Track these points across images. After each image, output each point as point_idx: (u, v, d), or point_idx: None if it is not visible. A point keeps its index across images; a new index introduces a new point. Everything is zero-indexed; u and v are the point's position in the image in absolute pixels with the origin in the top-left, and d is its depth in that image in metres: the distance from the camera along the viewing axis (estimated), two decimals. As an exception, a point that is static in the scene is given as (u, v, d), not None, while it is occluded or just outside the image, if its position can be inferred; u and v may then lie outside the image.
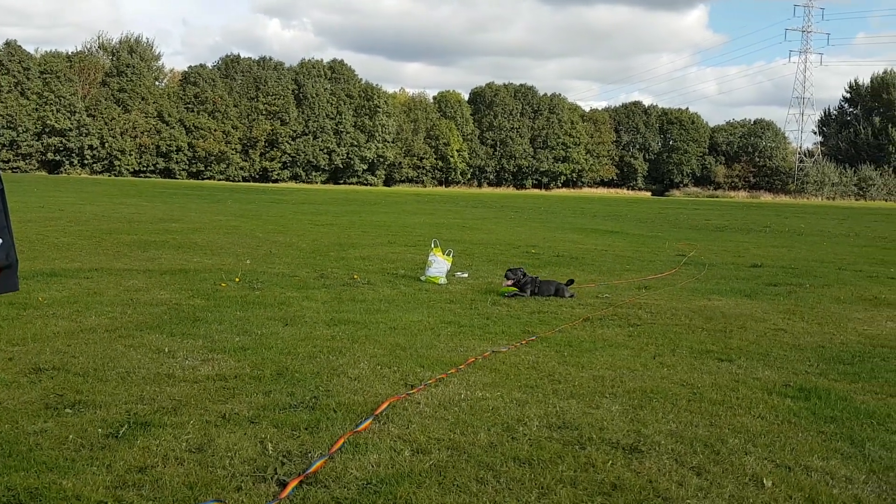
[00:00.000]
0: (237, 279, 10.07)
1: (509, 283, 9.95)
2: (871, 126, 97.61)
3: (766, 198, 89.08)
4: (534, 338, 7.08)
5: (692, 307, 9.57)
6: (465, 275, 11.95)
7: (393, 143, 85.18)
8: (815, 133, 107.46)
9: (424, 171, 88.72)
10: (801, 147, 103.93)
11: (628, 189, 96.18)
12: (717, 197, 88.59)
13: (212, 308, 8.00)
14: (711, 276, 13.42)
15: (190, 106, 78.88)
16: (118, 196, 33.86)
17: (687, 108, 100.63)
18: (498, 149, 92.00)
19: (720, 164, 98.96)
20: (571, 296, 10.06)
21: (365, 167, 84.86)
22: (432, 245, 11.33)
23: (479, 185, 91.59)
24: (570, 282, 10.27)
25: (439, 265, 11.05)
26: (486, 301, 9.37)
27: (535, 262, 14.33)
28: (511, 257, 14.90)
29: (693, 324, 8.32)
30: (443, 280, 10.97)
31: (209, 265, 11.46)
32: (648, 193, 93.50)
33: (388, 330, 7.18)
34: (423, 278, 11.11)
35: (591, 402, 5.14)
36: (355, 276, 10.84)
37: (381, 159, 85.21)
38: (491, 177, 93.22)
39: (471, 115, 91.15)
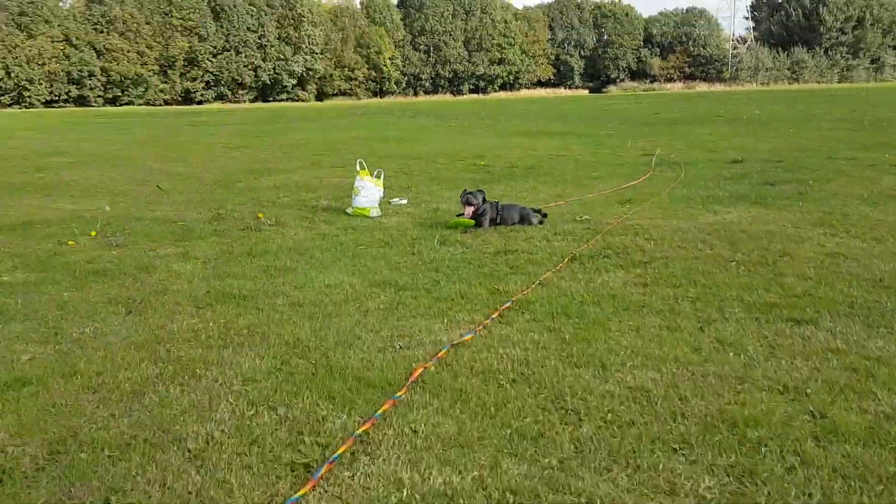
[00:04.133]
0: (94, 233, 7.43)
1: (469, 210, 7.52)
2: (801, 7, 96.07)
3: (702, 87, 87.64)
4: (509, 303, 4.71)
5: (701, 226, 7.33)
6: (404, 201, 9.48)
7: (322, 54, 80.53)
8: (746, 18, 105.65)
9: (357, 83, 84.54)
10: (733, 34, 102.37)
11: (566, 88, 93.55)
12: (654, 90, 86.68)
13: (31, 287, 5.44)
14: (694, 179, 11.27)
15: (98, 27, 72.76)
16: (12, 129, 30.00)
17: (620, 0, 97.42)
18: (432, 54, 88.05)
19: (655, 56, 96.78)
20: (541, 221, 7.72)
21: (294, 82, 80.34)
22: (358, 167, 8.79)
23: (415, 94, 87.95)
24: (542, 214, 7.89)
25: (369, 192, 8.55)
26: (432, 239, 6.97)
27: (486, 176, 11.91)
28: (457, 173, 12.44)
29: (718, 254, 6.07)
30: (375, 212, 8.50)
31: (67, 213, 8.76)
32: (586, 91, 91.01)
33: (288, 311, 4.75)
34: (349, 211, 8.62)
35: (650, 469, 2.80)
36: (260, 216, 8.29)
37: (311, 73, 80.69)
38: (426, 84, 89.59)
39: (401, 20, 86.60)
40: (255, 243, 6.96)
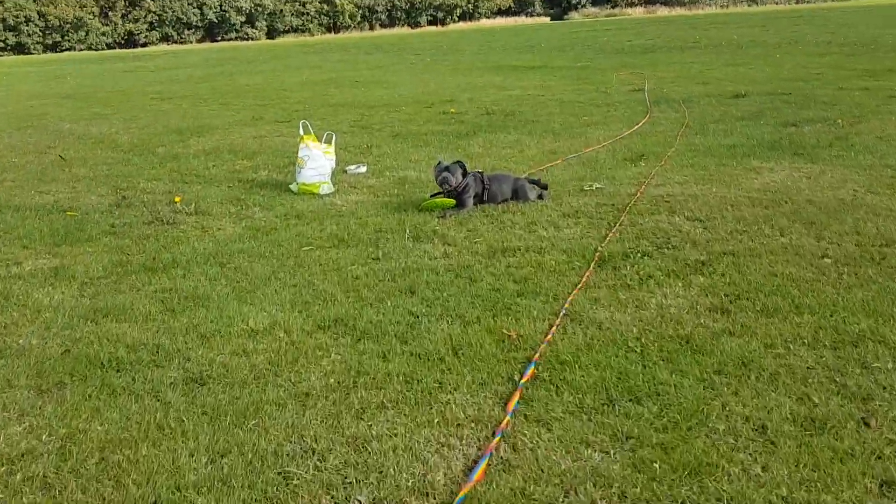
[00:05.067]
0: (-59, 238, 5.53)
1: (446, 188, 5.76)
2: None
3: (663, 12, 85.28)
4: (531, 370, 2.98)
5: (750, 194, 5.64)
6: (363, 169, 7.63)
7: (270, -12, 76.56)
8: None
9: (310, 18, 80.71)
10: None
11: (527, 16, 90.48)
12: (615, 15, 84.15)
13: None
14: (703, 121, 9.59)
15: (29, -34, 68.07)
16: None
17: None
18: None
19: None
20: (541, 196, 5.96)
21: (243, 19, 76.41)
22: (301, 131, 6.91)
23: (371, 28, 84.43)
24: (541, 185, 6.11)
25: (317, 163, 6.69)
26: (401, 231, 5.20)
27: (459, 128, 10.06)
28: (424, 124, 10.55)
29: (799, 245, 4.40)
30: (326, 188, 6.67)
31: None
32: (547, 19, 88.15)
33: (179, 400, 2.95)
34: (293, 188, 6.77)
35: None
36: (176, 200, 6.41)
37: (260, 8, 76.74)
38: (382, 17, 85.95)
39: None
40: (161, 247, 5.12)
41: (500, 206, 5.78)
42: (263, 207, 6.20)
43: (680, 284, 3.88)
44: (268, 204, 6.30)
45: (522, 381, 2.81)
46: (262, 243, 5.11)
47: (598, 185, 6.19)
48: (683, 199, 5.59)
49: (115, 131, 11.09)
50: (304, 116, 11.95)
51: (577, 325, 3.42)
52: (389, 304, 3.81)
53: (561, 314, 3.52)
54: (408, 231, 5.16)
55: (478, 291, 3.92)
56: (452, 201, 5.77)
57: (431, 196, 6.02)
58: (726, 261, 4.21)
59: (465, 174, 5.82)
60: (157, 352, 3.36)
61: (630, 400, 2.70)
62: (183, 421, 2.75)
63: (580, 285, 3.92)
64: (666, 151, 7.62)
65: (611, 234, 4.81)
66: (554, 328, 3.34)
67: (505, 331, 3.32)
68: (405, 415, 2.68)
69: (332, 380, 2.99)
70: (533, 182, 6.06)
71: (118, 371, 3.20)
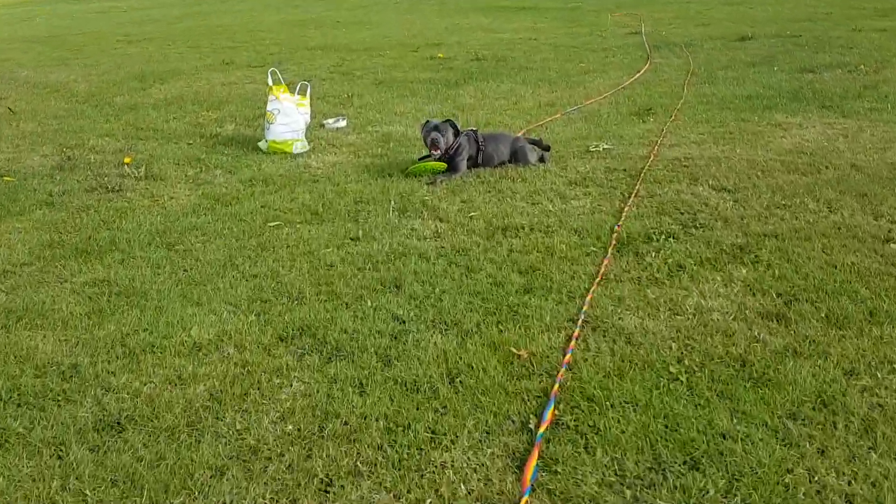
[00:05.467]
0: None
1: (435, 153, 5.02)
2: None
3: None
4: (549, 412, 2.30)
5: (783, 157, 4.95)
6: (342, 123, 6.84)
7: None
8: None
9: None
10: None
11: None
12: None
13: None
14: (710, 67, 8.88)
15: None
16: None
17: None
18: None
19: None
20: (542, 158, 5.23)
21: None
22: (270, 80, 6.10)
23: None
24: (543, 146, 5.36)
25: (289, 117, 5.91)
26: (384, 202, 4.48)
27: (448, 75, 9.23)
28: (409, 71, 9.70)
29: (853, 224, 3.72)
30: (299, 146, 5.90)
31: None
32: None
33: (86, 468, 2.24)
34: (262, 146, 6.00)
35: None
36: (127, 161, 5.62)
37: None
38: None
39: None
40: (100, 223, 4.37)
41: (497, 169, 5.05)
42: (226, 170, 5.43)
43: (719, 278, 3.19)
44: (231, 165, 5.53)
45: (540, 430, 2.14)
46: (220, 217, 4.37)
47: (605, 146, 5.45)
48: (704, 164, 4.88)
49: (73, 79, 10.16)
50: (279, 60, 11.05)
51: (601, 336, 2.74)
52: (370, 303, 3.11)
53: (580, 321, 2.83)
54: (393, 202, 4.43)
55: (476, 286, 3.22)
56: (443, 165, 5.03)
57: (420, 159, 5.28)
58: (769, 245, 3.52)
59: (457, 134, 5.07)
60: (71, 377, 2.66)
61: (685, 463, 2.03)
62: (84, 496, 2.06)
63: (598, 278, 3.22)
64: (675, 104, 6.88)
65: (627, 209, 4.10)
66: (573, 342, 2.66)
67: (513, 349, 2.63)
68: (386, 488, 2.00)
69: (290, 426, 2.30)
70: (533, 143, 5.32)
71: (18, 407, 2.49)
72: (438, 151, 4.94)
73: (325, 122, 6.82)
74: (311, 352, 2.73)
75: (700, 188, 4.38)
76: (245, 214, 4.40)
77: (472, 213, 4.21)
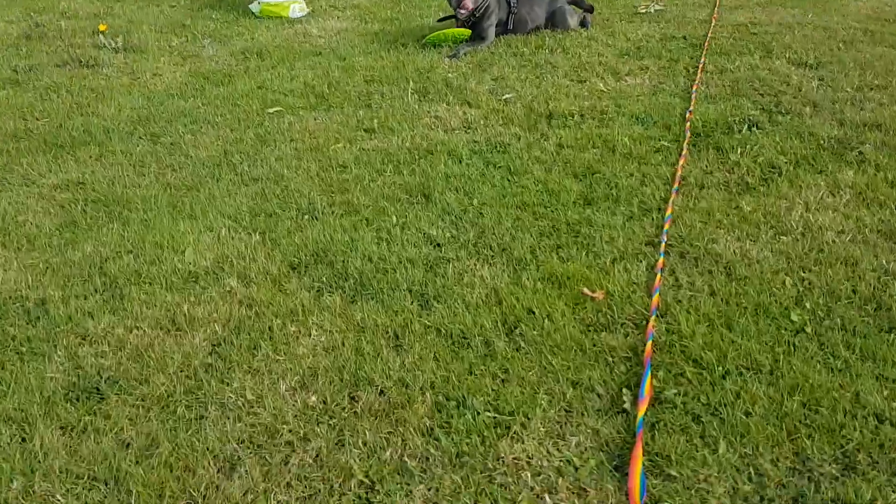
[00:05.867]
0: None
1: (462, 13, 4.30)
2: None
3: None
4: (647, 383, 1.78)
5: (858, 22, 4.28)
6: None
7: None
8: None
9: None
10: None
11: None
12: None
13: None
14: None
15: None
16: None
17: None
18: None
19: None
20: (583, 23, 4.51)
21: None
22: (261, -68, 5.26)
23: None
24: (585, 6, 4.61)
25: (285, -25, 5.12)
26: (401, 81, 3.83)
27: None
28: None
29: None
30: (297, 8, 5.15)
31: None
32: None
33: (58, 461, 1.74)
34: (255, 8, 5.24)
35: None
36: (102, 28, 4.88)
37: None
38: None
39: None
40: (74, 106, 3.73)
41: (531, 36, 4.35)
42: (215, 39, 4.72)
43: (822, 183, 2.61)
44: (221, 34, 4.81)
45: (640, 412, 1.63)
46: (210, 101, 3.73)
47: (656, 6, 4.71)
48: (775, 31, 4.17)
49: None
50: None
51: (693, 267, 2.19)
52: (395, 219, 2.55)
53: (662, 245, 2.28)
54: (410, 83, 3.77)
55: (524, 196, 2.64)
56: (467, 32, 4.32)
57: (439, 20, 4.55)
58: (873, 139, 2.91)
59: (484, -10, 4.32)
60: (38, 319, 2.14)
61: (837, 462, 1.54)
62: (53, 506, 1.58)
63: (676, 184, 2.64)
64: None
65: (696, 88, 3.45)
66: (659, 277, 2.12)
67: (585, 291, 2.09)
68: (446, 498, 1.52)
69: (313, 396, 1.80)
70: (573, 2, 4.57)
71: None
72: (465, 11, 4.21)
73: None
74: (332, 287, 2.20)
75: (777, 62, 3.71)
76: (239, 97, 3.75)
77: (507, 95, 3.57)
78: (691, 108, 3.21)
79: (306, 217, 2.60)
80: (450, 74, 3.88)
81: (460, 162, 2.93)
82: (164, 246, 2.45)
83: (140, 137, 3.34)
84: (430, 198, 2.68)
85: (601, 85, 3.59)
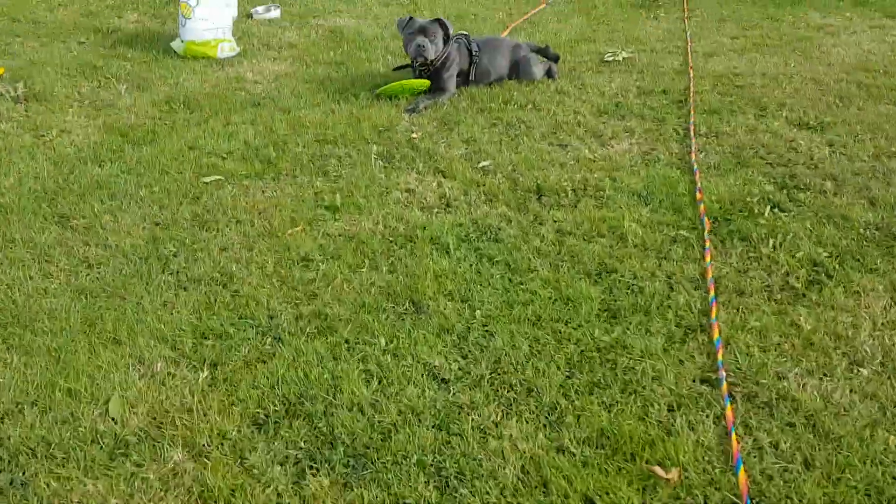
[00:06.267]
0: None
1: (418, 63, 3.82)
2: None
3: None
4: None
5: (847, 72, 3.99)
6: (275, 12, 5.50)
7: None
8: None
9: None
10: None
11: None
12: None
13: None
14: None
15: None
16: None
17: None
18: None
19: None
20: (549, 73, 4.11)
21: None
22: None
23: None
24: (550, 55, 4.21)
25: (210, 10, 4.55)
26: (357, 140, 3.35)
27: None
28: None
29: None
30: (226, 47, 4.59)
31: None
32: None
33: None
34: (177, 47, 4.64)
35: None
36: (-3, 71, 4.20)
37: None
38: None
39: None
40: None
41: (494, 89, 3.93)
42: (133, 85, 4.11)
43: (881, 288, 2.23)
44: (140, 77, 4.20)
45: None
46: (132, 166, 3.14)
47: (624, 54, 4.35)
48: (762, 84, 3.87)
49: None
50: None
51: (771, 420, 1.75)
52: (384, 342, 2.04)
53: (724, 386, 1.84)
54: (373, 146, 3.27)
55: (536, 307, 2.17)
56: (425, 83, 3.85)
57: (395, 69, 4.08)
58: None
59: (447, 39, 3.86)
60: None
61: None
62: None
63: (711, 290, 2.22)
64: (682, -6, 5.76)
65: (694, 157, 3.07)
66: (736, 445, 1.68)
67: (656, 471, 1.63)
68: None
69: None
70: (537, 51, 4.17)
71: None
72: (423, 59, 3.75)
73: (253, 10, 5.44)
74: (315, 460, 1.67)
75: (775, 123, 3.38)
76: (168, 161, 3.17)
77: (485, 163, 3.11)
78: (699, 184, 2.82)
79: (268, 339, 2.07)
80: (413, 134, 3.40)
81: (448, 254, 2.45)
82: (79, 395, 1.88)
83: (46, 219, 2.73)
84: (420, 307, 2.18)
85: (586, 151, 3.18)
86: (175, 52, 4.59)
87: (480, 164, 3.11)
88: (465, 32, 4.08)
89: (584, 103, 3.69)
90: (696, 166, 2.96)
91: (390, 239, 2.57)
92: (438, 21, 3.85)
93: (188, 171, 3.08)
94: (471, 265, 2.38)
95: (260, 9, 5.46)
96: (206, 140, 3.37)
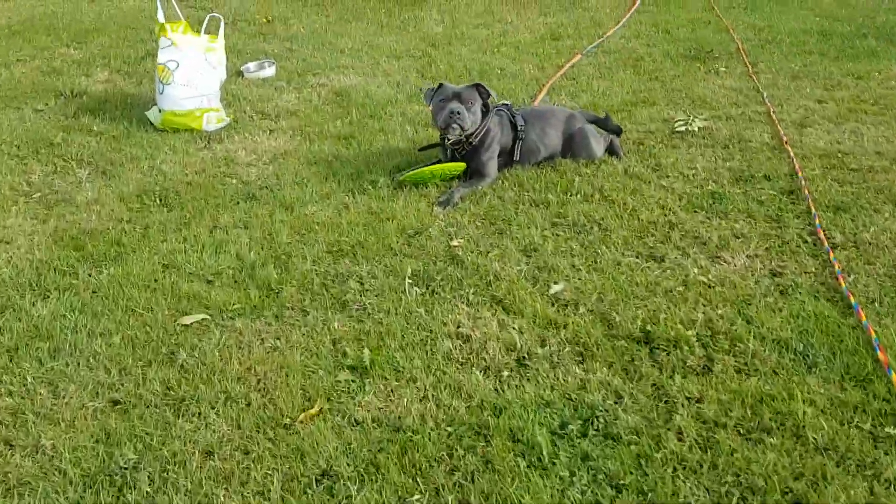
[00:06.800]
0: None
1: (451, 138, 3.05)
2: None
3: None
4: None
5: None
6: (270, 70, 4.75)
7: None
8: None
9: None
10: None
11: None
12: None
13: None
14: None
15: None
16: None
17: None
18: None
19: None
20: (612, 150, 3.33)
21: None
22: (159, 16, 3.88)
23: None
24: (612, 127, 3.43)
25: (194, 74, 3.78)
26: (379, 249, 2.58)
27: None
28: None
29: None
30: (213, 118, 3.80)
31: None
32: None
33: None
34: (153, 117, 3.85)
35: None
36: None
37: None
38: None
39: None
40: None
41: (544, 171, 3.15)
42: (97, 170, 3.32)
43: None
44: (107, 158, 3.42)
45: None
46: (86, 301, 2.34)
47: (697, 122, 3.59)
48: (882, 166, 3.11)
49: None
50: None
51: None
52: None
53: None
54: (406, 267, 2.47)
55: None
56: (460, 166, 3.07)
57: (420, 150, 3.31)
58: None
59: (486, 110, 3.09)
60: None
61: None
62: None
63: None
64: (728, 40, 5.06)
65: (843, 283, 2.28)
66: None
67: None
68: None
69: None
70: (595, 122, 3.40)
71: None
72: (459, 130, 2.98)
73: (244, 67, 4.68)
74: None
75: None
76: (136, 291, 2.37)
77: (557, 287, 2.32)
78: (873, 335, 2.02)
79: None
80: (454, 242, 2.61)
81: (542, 467, 1.65)
82: None
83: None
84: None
85: (694, 270, 2.39)
86: (152, 122, 3.80)
87: (552, 290, 2.32)
88: (507, 101, 3.31)
89: (669, 193, 2.92)
90: (853, 300, 2.17)
91: (449, 430, 1.77)
92: (476, 87, 3.08)
93: (162, 309, 2.28)
94: (583, 492, 1.58)
95: (252, 66, 4.70)
96: (188, 254, 2.58)
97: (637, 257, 2.49)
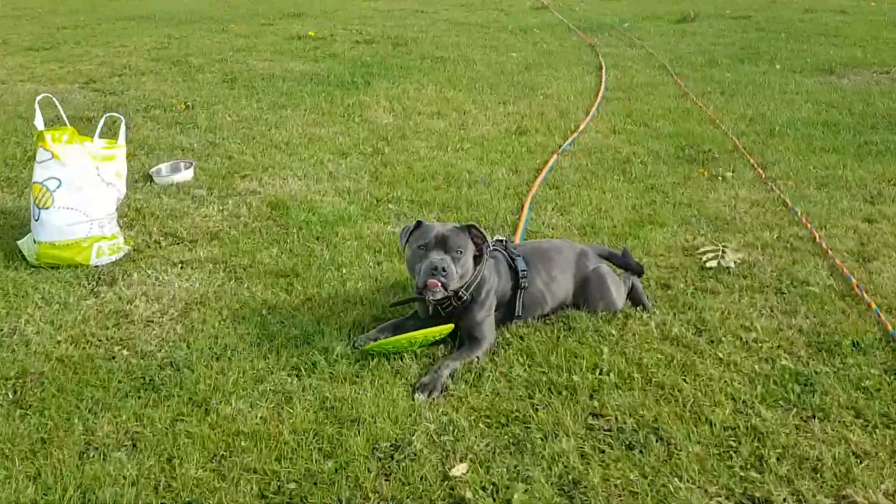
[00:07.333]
0: None
1: (433, 297, 2.18)
2: None
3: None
4: None
5: None
6: (187, 173, 3.87)
7: None
8: None
9: None
10: None
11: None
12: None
13: None
14: (685, 63, 6.66)
15: None
16: None
17: None
18: None
19: None
20: (633, 295, 2.54)
21: None
22: (37, 122, 2.98)
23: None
24: (633, 267, 2.66)
25: (80, 192, 2.85)
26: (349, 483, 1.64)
27: (334, 66, 6.39)
28: (273, 58, 6.72)
29: None
30: (105, 249, 2.87)
31: None
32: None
33: None
34: (27, 249, 2.89)
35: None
36: None
37: None
38: None
39: None
40: None
41: (555, 326, 2.34)
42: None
43: None
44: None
45: None
46: None
47: (731, 254, 2.85)
48: None
49: None
50: (74, 41, 7.55)
51: None
52: None
53: None
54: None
55: None
56: (446, 328, 2.24)
57: (393, 305, 2.47)
58: None
59: (484, 244, 2.28)
60: None
61: None
62: None
63: None
64: (723, 137, 4.44)
65: None
66: None
67: None
68: None
69: None
70: (608, 257, 2.63)
71: None
72: (439, 295, 2.16)
73: (153, 170, 3.79)
74: None
75: None
76: None
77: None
78: None
79: None
80: (454, 470, 1.76)
81: None
82: None
83: None
84: None
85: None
86: (25, 257, 2.86)
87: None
88: (502, 238, 2.51)
89: (734, 373, 2.14)
90: None
91: None
92: (469, 229, 2.27)
93: None
94: None
95: (164, 168, 3.81)
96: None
97: (728, 499, 1.68)
